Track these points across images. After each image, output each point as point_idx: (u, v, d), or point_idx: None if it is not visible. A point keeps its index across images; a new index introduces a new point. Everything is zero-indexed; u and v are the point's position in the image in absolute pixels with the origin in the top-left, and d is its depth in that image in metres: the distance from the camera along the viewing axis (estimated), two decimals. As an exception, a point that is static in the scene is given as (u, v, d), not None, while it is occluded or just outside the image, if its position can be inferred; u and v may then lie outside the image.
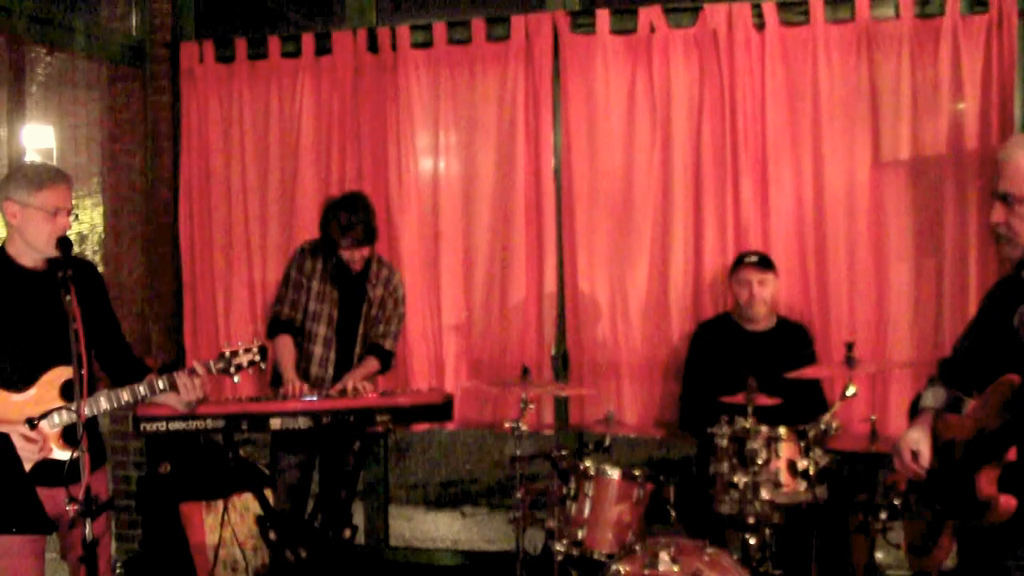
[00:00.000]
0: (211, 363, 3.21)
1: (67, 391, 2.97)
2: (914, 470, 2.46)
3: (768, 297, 4.05)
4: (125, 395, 3.07)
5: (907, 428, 2.56)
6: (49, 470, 2.90)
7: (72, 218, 3.04)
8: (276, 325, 4.13)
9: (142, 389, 3.09)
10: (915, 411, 2.63)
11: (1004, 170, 2.36)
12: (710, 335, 4.17)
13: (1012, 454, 2.23)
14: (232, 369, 3.22)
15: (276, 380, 4.11)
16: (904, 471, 2.50)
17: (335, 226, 3.99)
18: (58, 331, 2.86)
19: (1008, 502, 2.21)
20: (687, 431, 4.18)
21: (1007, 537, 2.27)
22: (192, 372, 3.17)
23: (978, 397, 2.40)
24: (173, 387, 3.15)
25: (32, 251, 3.00)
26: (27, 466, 2.90)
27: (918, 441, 2.47)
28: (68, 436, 2.98)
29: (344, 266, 4.10)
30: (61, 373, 2.96)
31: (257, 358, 3.26)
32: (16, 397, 2.94)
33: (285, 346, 4.06)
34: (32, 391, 2.96)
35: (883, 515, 3.44)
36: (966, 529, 2.36)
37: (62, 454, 2.96)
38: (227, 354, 3.23)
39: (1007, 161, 2.37)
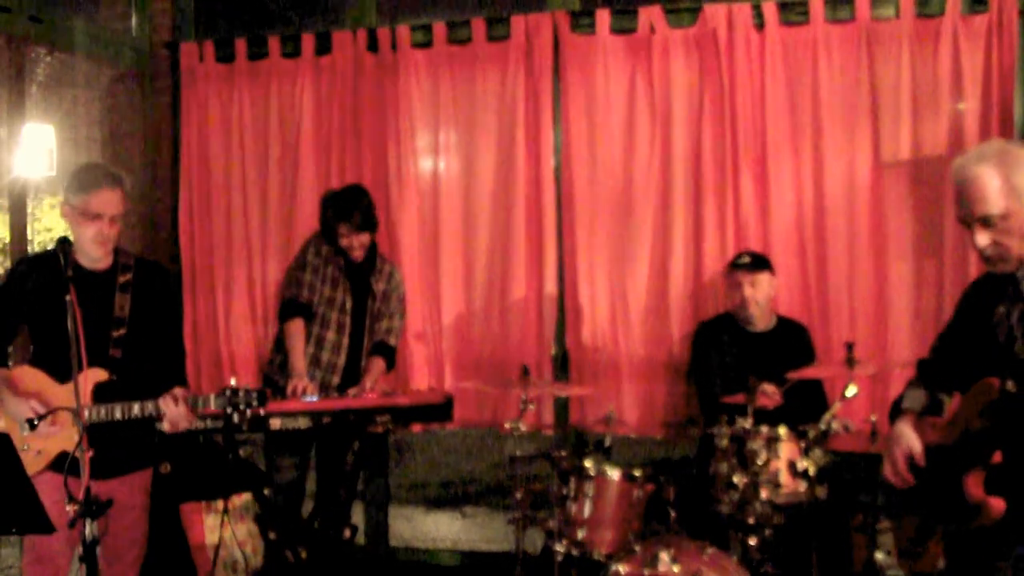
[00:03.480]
0: (212, 397, 3.07)
1: (98, 393, 3.04)
2: (907, 479, 2.45)
3: (762, 298, 4.04)
4: (136, 408, 3.06)
5: (891, 431, 2.55)
6: (74, 462, 2.93)
7: (108, 224, 3.10)
8: (292, 308, 4.06)
9: (136, 409, 3.06)
10: (895, 413, 2.63)
11: (972, 193, 2.32)
12: (711, 335, 4.17)
13: (997, 456, 2.24)
14: (229, 409, 3.05)
15: (281, 367, 4.09)
16: (895, 479, 2.49)
17: (332, 214, 4.01)
18: (102, 336, 3.04)
19: (997, 504, 2.22)
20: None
21: (996, 538, 2.27)
22: (175, 399, 3.05)
23: (960, 398, 2.40)
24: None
25: (83, 253, 3.12)
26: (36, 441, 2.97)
27: (910, 442, 2.46)
28: (91, 435, 3.00)
29: (351, 258, 4.11)
30: (96, 375, 3.04)
31: (256, 403, 3.07)
32: (58, 387, 3.04)
33: (298, 332, 4.04)
34: (70, 384, 2.96)
35: (883, 516, 3.44)
36: (955, 531, 2.36)
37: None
38: (228, 392, 3.06)
39: (971, 183, 2.32)
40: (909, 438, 2.47)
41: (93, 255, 3.13)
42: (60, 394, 3.01)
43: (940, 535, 2.40)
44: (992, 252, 2.35)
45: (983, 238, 2.34)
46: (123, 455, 3.20)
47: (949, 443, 2.36)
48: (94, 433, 2.99)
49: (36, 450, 3.09)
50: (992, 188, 2.30)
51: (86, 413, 3.01)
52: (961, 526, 2.30)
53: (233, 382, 3.11)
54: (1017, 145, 2.43)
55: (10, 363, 3.21)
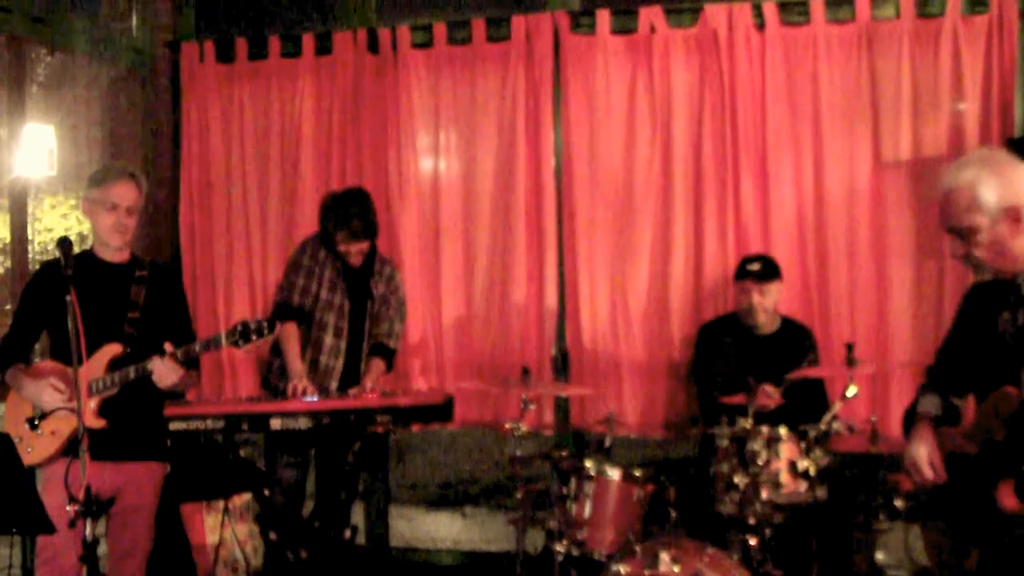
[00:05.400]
0: (222, 335, 3.22)
1: (114, 364, 3.22)
2: (942, 476, 2.45)
3: (770, 305, 4.04)
4: (132, 372, 3.22)
5: (911, 440, 2.54)
6: (90, 442, 2.96)
7: (125, 214, 3.30)
8: (285, 311, 4.03)
9: (131, 372, 3.21)
10: (909, 421, 2.62)
11: (944, 206, 2.39)
12: (715, 335, 4.17)
13: None
14: (240, 341, 3.20)
15: (280, 371, 4.08)
16: (924, 482, 2.49)
17: (332, 220, 3.99)
18: (117, 316, 3.28)
19: None
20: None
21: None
22: (163, 354, 3.19)
23: (977, 406, 2.40)
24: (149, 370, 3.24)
25: (103, 245, 3.34)
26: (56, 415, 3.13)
27: (930, 453, 2.46)
28: (104, 408, 3.20)
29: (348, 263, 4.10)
30: (111, 349, 3.23)
31: (266, 331, 3.22)
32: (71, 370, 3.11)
33: (292, 334, 4.01)
34: (84, 365, 3.10)
35: (883, 516, 3.44)
36: (992, 541, 2.34)
37: (95, 422, 3.16)
38: (239, 326, 3.21)
39: (946, 196, 2.39)
40: (928, 450, 2.47)
41: (112, 244, 3.32)
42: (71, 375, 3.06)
43: (975, 543, 2.38)
44: (965, 263, 2.41)
45: (955, 249, 2.42)
46: (136, 435, 3.32)
47: (972, 453, 2.36)
48: (108, 406, 3.21)
49: (50, 430, 3.17)
50: (961, 203, 2.35)
51: (92, 386, 3.17)
52: (998, 536, 2.30)
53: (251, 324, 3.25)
54: (1002, 154, 2.44)
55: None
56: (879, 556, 3.51)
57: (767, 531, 3.44)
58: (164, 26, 5.01)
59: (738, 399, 3.62)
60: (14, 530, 2.83)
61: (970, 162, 2.41)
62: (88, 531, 2.60)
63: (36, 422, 3.16)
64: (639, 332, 4.50)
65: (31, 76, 4.89)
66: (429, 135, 4.75)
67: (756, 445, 3.45)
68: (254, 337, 3.20)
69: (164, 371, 3.18)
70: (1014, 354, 2.34)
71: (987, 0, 4.12)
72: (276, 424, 3.65)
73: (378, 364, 4.12)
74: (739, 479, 3.44)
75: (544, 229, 4.56)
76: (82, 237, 6.70)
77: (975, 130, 4.15)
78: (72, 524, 2.58)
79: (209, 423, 3.60)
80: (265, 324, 3.23)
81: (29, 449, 3.16)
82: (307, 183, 4.80)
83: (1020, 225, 2.31)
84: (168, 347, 3.19)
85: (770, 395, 3.74)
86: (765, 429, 3.48)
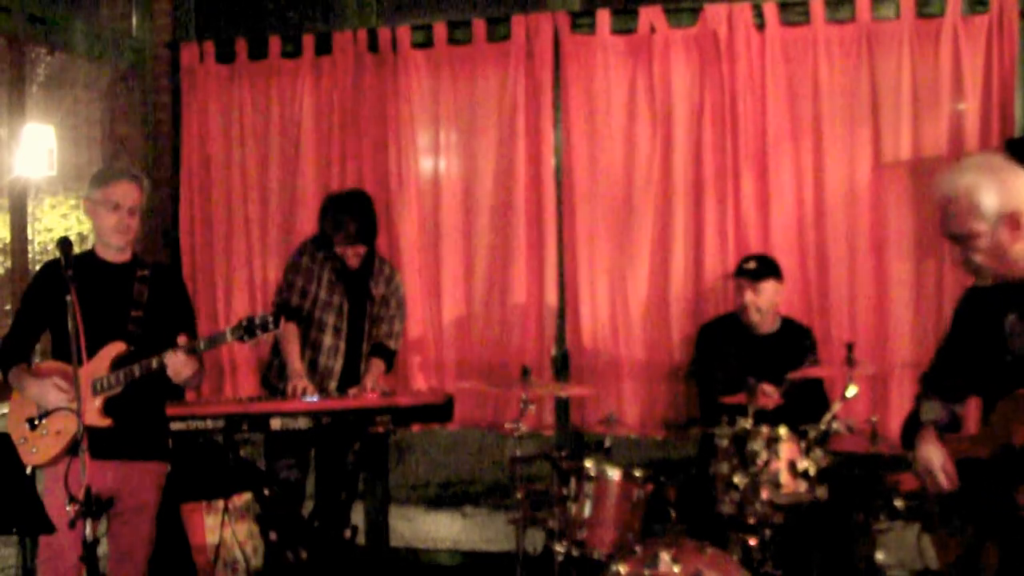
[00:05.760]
0: (228, 331, 3.20)
1: (118, 362, 3.21)
2: (956, 483, 2.45)
3: (764, 305, 4.03)
4: (140, 368, 3.20)
5: (921, 447, 2.52)
6: (93, 441, 2.97)
7: (127, 214, 3.29)
8: (285, 312, 4.05)
9: (137, 370, 3.19)
10: (910, 430, 2.61)
11: (943, 211, 2.39)
12: (717, 334, 4.17)
13: None
14: (245, 336, 3.18)
15: (279, 371, 4.08)
16: (939, 489, 2.48)
17: (330, 222, 4.00)
18: (120, 315, 3.27)
19: None
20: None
21: None
22: (176, 349, 3.17)
23: (981, 409, 2.39)
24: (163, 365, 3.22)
25: (105, 245, 3.35)
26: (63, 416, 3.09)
27: (944, 461, 2.46)
28: (109, 406, 3.19)
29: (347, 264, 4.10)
30: (115, 347, 3.22)
31: (272, 325, 3.21)
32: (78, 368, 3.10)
33: (292, 334, 4.01)
34: (88, 364, 3.14)
35: (883, 516, 3.45)
36: (1014, 544, 2.34)
37: (101, 421, 3.16)
38: (244, 322, 3.20)
39: (944, 201, 2.38)
40: (942, 458, 2.46)
41: (114, 244, 3.32)
42: (79, 373, 3.04)
43: (993, 547, 2.38)
44: (965, 268, 2.41)
45: (955, 253, 2.42)
46: (139, 434, 3.32)
47: (986, 457, 2.35)
48: (113, 405, 3.20)
49: (55, 430, 3.17)
50: (960, 209, 2.35)
51: (96, 384, 3.17)
52: (1021, 538, 2.29)
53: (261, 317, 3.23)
54: (1000, 160, 2.43)
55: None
56: (879, 556, 3.51)
57: (767, 531, 3.44)
58: (164, 26, 5.01)
59: (738, 399, 3.62)
60: (14, 530, 2.83)
61: (968, 168, 2.41)
62: (88, 531, 2.60)
63: (36, 422, 3.15)
64: (639, 332, 4.50)
65: (31, 76, 4.89)
66: (429, 135, 4.75)
67: (756, 445, 3.45)
68: (259, 332, 3.17)
69: (179, 364, 3.17)
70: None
71: (987, 0, 4.12)
72: (276, 424, 3.66)
73: (378, 364, 4.13)
74: (739, 479, 3.44)
75: (544, 229, 4.56)
76: (82, 237, 6.70)
77: (975, 130, 4.15)
78: (72, 524, 2.58)
79: (209, 423, 3.61)
80: (270, 318, 3.20)
81: (33, 450, 3.17)
82: (307, 183, 4.80)
83: (1019, 231, 2.31)
84: (182, 339, 3.17)
85: (770, 395, 3.74)
86: (765, 429, 3.48)
